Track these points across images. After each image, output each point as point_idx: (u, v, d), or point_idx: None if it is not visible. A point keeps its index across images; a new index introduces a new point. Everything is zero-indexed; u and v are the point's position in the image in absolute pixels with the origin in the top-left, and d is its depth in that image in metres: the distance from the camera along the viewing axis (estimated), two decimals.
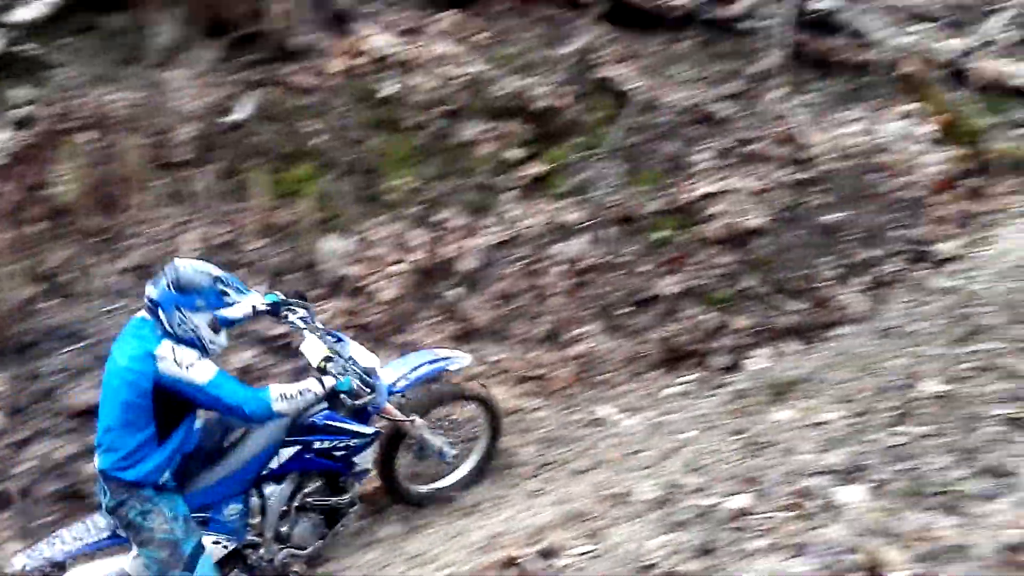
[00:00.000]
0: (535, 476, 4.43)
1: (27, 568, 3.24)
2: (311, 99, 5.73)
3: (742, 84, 6.43)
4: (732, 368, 5.16)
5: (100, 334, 4.73)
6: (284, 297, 3.90)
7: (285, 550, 3.74)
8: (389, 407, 3.81)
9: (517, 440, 4.81)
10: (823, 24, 6.70)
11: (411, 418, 3.94)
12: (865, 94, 6.42)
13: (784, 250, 5.59)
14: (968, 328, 3.85)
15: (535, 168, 5.86)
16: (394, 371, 3.98)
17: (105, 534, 3.37)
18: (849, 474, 2.91)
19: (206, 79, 5.79)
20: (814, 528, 2.56)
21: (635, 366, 5.33)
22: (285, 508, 3.71)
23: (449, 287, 5.45)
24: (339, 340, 3.75)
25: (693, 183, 5.86)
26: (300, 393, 3.31)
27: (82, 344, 4.80)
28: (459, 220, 5.59)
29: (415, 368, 4.04)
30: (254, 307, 3.63)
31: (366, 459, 3.86)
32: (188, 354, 3.14)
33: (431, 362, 4.13)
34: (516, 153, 5.84)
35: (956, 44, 6.61)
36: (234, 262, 5.28)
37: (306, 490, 3.76)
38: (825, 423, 3.38)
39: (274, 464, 3.61)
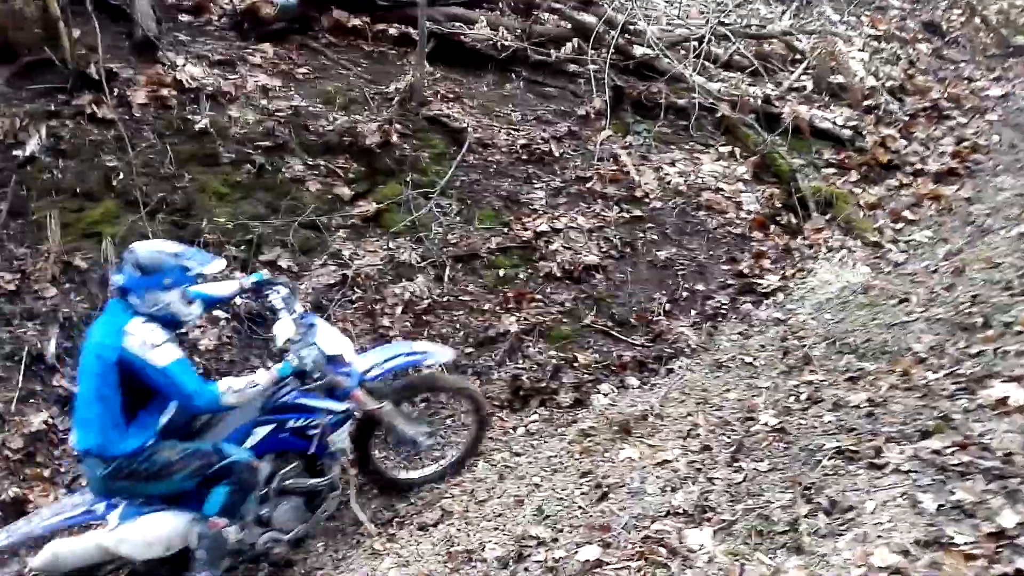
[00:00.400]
0: (380, 534, 4.10)
1: (6, 544, 3.30)
2: (114, 132, 5.19)
3: (572, 124, 6.57)
4: (577, 404, 5.09)
5: None
6: (269, 277, 4.05)
7: (267, 534, 3.71)
8: (358, 393, 3.78)
9: (360, 494, 4.49)
10: (645, 68, 6.98)
11: (381, 404, 3.90)
12: (686, 136, 6.72)
13: (620, 285, 5.66)
14: (796, 360, 3.98)
15: (367, 206, 5.62)
16: (370, 360, 4.02)
17: (81, 509, 3.39)
18: (696, 516, 2.84)
19: None
20: None
21: None
22: (264, 491, 3.69)
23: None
24: (311, 325, 3.77)
25: (530, 220, 5.83)
26: (248, 385, 3.37)
27: None
28: (287, 261, 5.22)
29: (390, 358, 4.08)
30: (241, 285, 3.91)
31: (342, 438, 3.86)
32: (156, 334, 3.22)
33: (408, 354, 4.17)
34: (346, 191, 5.57)
35: (764, 90, 7.08)
36: (23, 312, 4.63)
37: (284, 471, 3.73)
38: (669, 462, 3.33)
39: (249, 443, 3.59)
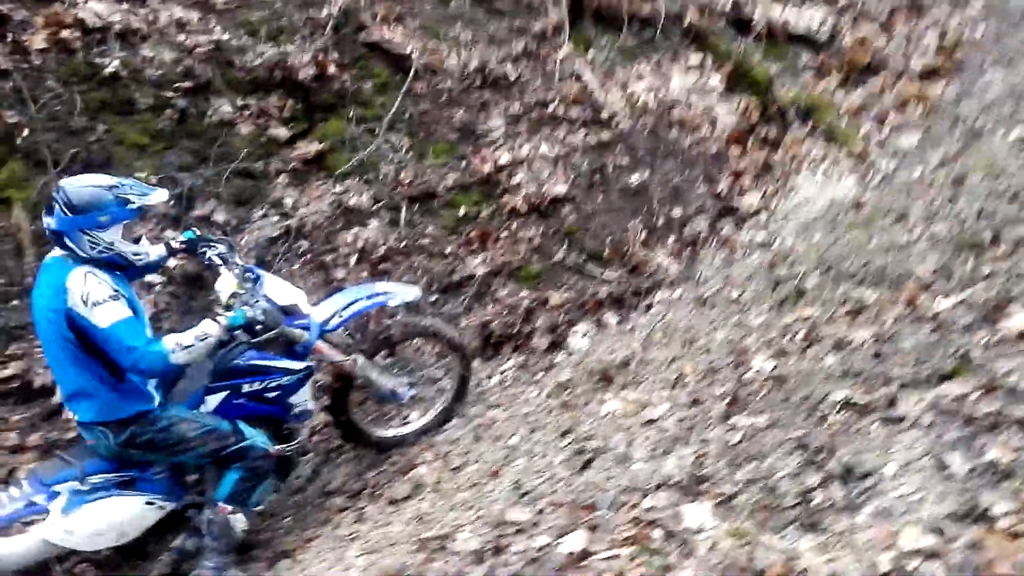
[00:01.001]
0: (348, 508, 3.78)
1: None
2: (11, 84, 4.56)
3: (527, 43, 5.98)
4: (553, 348, 4.76)
5: None
6: (201, 234, 3.57)
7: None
8: (321, 346, 3.49)
9: (326, 460, 4.17)
10: None
11: (351, 357, 3.61)
12: (653, 48, 6.18)
13: (591, 216, 5.25)
14: (788, 291, 3.63)
15: (308, 147, 5.07)
16: (328, 308, 3.66)
17: (20, 503, 3.07)
18: (691, 487, 2.51)
19: None
20: (666, 571, 2.12)
21: None
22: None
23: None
24: (256, 278, 3.43)
25: (489, 152, 5.34)
26: (197, 339, 3.00)
27: None
28: (222, 214, 4.71)
29: (350, 304, 3.70)
30: (169, 246, 3.50)
31: (305, 399, 3.55)
32: (99, 289, 2.88)
33: (369, 296, 3.78)
34: (282, 132, 5.02)
35: None
36: None
37: None
38: (656, 420, 2.99)
39: (202, 411, 3.30)
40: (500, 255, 5.09)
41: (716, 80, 5.99)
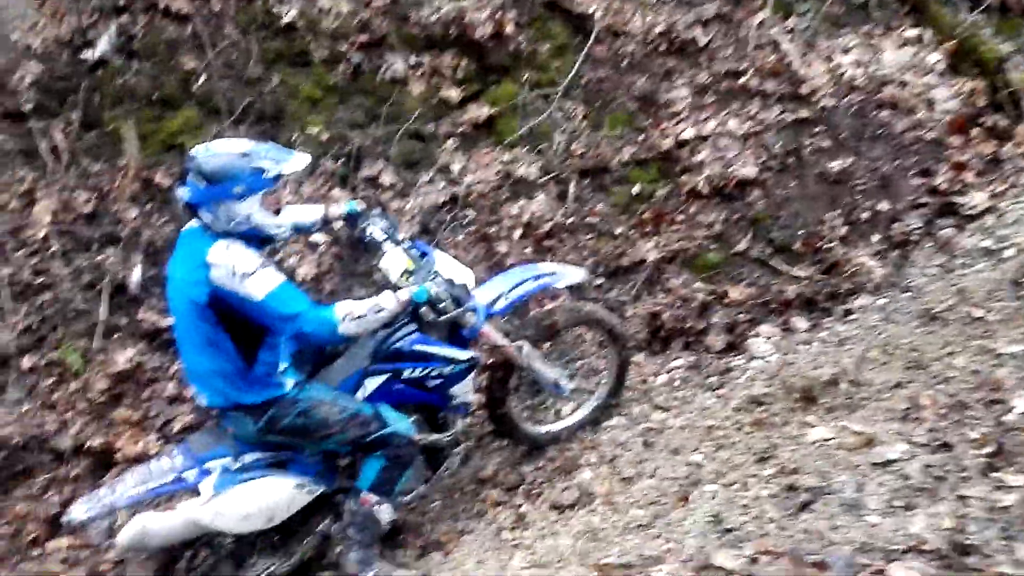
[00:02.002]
0: (504, 503, 3.51)
1: (87, 516, 2.84)
2: (191, 28, 4.49)
3: (721, 5, 5.40)
4: (730, 349, 4.30)
5: None
6: (363, 209, 3.35)
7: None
8: (487, 330, 3.23)
9: (478, 446, 3.92)
10: None
11: (517, 344, 3.35)
12: (863, 17, 5.46)
13: (782, 204, 4.70)
14: None
15: (479, 111, 4.77)
16: (492, 290, 3.41)
17: (170, 477, 2.94)
18: (954, 559, 2.02)
19: (53, 5, 4.48)
20: None
21: None
22: None
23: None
24: (424, 254, 3.20)
25: (671, 126, 4.87)
26: (371, 311, 2.76)
27: None
28: (389, 176, 4.51)
29: (516, 286, 3.45)
30: (326, 217, 3.30)
31: (466, 391, 3.36)
32: (246, 260, 2.65)
33: (535, 278, 3.52)
34: (454, 93, 4.73)
35: None
36: (102, 236, 4.15)
37: None
38: (893, 462, 2.49)
39: (360, 396, 3.13)
40: (675, 240, 4.64)
41: (936, 57, 5.22)
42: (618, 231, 4.65)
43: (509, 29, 4.94)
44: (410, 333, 3.15)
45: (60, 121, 4.32)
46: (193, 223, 2.84)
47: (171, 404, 3.95)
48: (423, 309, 2.88)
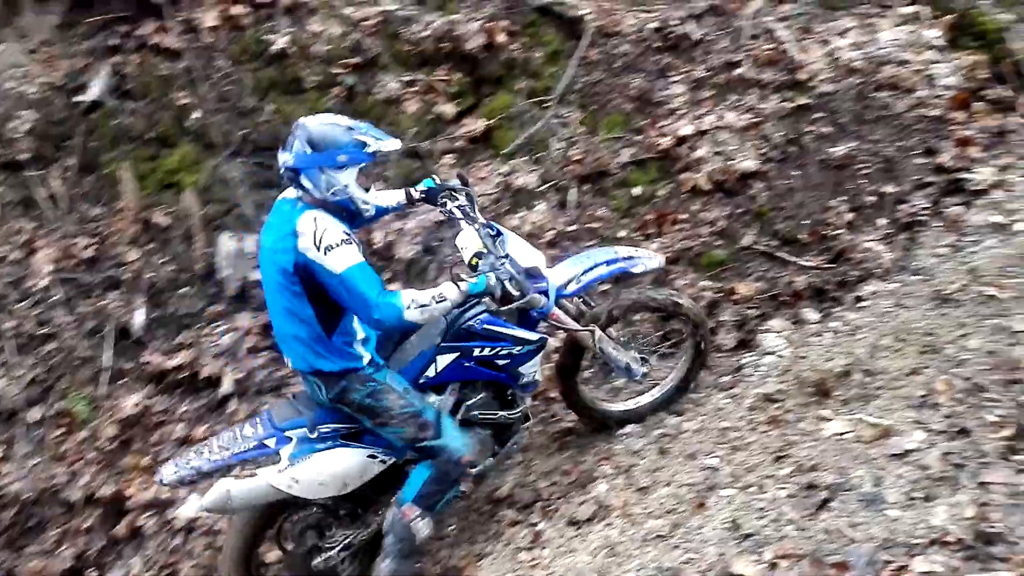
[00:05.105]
0: (521, 522, 3.47)
1: (175, 477, 3.03)
2: (183, 64, 4.52)
3: None
4: (742, 346, 4.23)
5: None
6: (442, 182, 3.45)
7: None
8: (558, 313, 3.24)
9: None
10: None
11: (588, 328, 3.34)
12: None
13: (786, 194, 4.63)
14: None
15: (475, 124, 4.77)
16: (565, 272, 3.43)
17: (252, 443, 3.08)
18: (979, 549, 1.96)
19: (46, 51, 4.54)
20: None
21: None
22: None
23: (386, 282, 4.38)
24: (498, 234, 3.23)
25: (668, 124, 4.82)
26: (434, 300, 2.85)
27: None
28: None
29: (590, 269, 3.45)
30: (409, 194, 3.43)
31: (534, 369, 3.38)
32: (332, 232, 2.75)
33: (609, 262, 3.50)
34: (449, 108, 4.73)
35: None
36: (104, 281, 4.16)
37: (469, 402, 3.33)
38: (911, 452, 2.43)
39: (431, 372, 3.22)
40: (679, 239, 4.59)
41: (935, 33, 5.12)
42: (621, 235, 4.60)
43: (501, 38, 4.93)
44: (480, 313, 3.21)
45: (57, 168, 4.37)
46: (288, 193, 2.96)
47: (181, 446, 3.94)
48: (485, 299, 2.99)
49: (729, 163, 4.65)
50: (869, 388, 2.97)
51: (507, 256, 3.06)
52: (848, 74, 4.91)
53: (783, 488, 2.56)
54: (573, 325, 3.31)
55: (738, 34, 5.08)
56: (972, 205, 4.35)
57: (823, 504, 2.38)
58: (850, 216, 4.49)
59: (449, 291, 2.88)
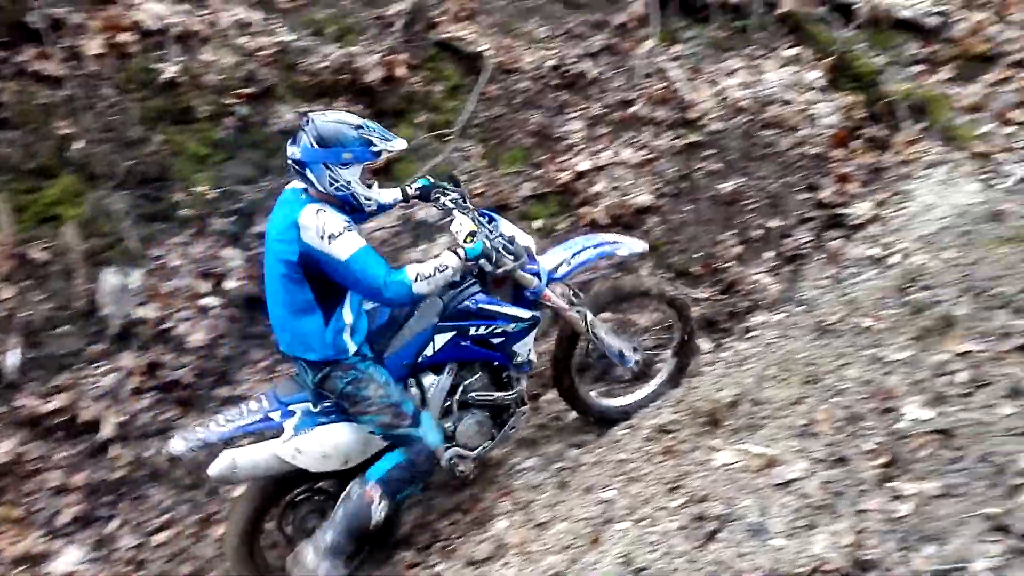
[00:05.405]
0: (419, 564, 3.40)
1: (184, 449, 3.09)
2: (65, 92, 4.31)
3: (608, 38, 5.53)
4: (640, 378, 4.29)
5: None
6: (434, 180, 3.61)
7: (452, 449, 3.44)
8: (549, 294, 3.44)
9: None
10: None
11: (579, 310, 3.53)
12: (745, 40, 5.66)
13: (679, 228, 4.79)
14: (931, 320, 3.10)
15: None
16: (555, 257, 3.62)
17: (257, 417, 3.19)
18: (853, 574, 2.03)
19: None
20: None
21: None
22: (448, 404, 3.46)
23: None
24: (492, 219, 3.46)
25: (567, 159, 4.92)
26: (437, 270, 3.01)
27: None
28: None
29: (578, 252, 3.65)
30: (405, 192, 3.57)
31: (527, 348, 3.51)
32: (334, 223, 2.86)
33: (596, 246, 3.70)
34: None
35: None
36: None
37: (467, 383, 3.46)
38: (793, 482, 2.51)
39: (429, 352, 3.35)
40: (579, 272, 4.64)
41: (816, 74, 5.44)
42: None
43: (401, 72, 4.92)
44: (475, 293, 3.35)
45: None
46: (294, 184, 3.07)
47: (57, 495, 3.70)
48: (481, 261, 3.13)
49: (625, 198, 4.78)
50: (756, 418, 3.06)
51: (502, 234, 3.31)
52: (736, 113, 5.14)
53: (674, 520, 2.60)
54: (565, 307, 3.48)
55: (632, 73, 5.25)
56: (851, 239, 4.60)
57: (712, 535, 2.43)
58: (739, 249, 4.67)
59: (449, 259, 3.04)
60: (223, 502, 3.75)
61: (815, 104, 5.28)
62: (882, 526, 2.19)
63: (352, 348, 3.11)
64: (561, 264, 3.58)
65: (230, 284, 4.18)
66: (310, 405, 3.22)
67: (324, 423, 3.20)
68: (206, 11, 4.77)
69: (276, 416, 3.19)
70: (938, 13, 5.88)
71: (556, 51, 5.27)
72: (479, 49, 5.07)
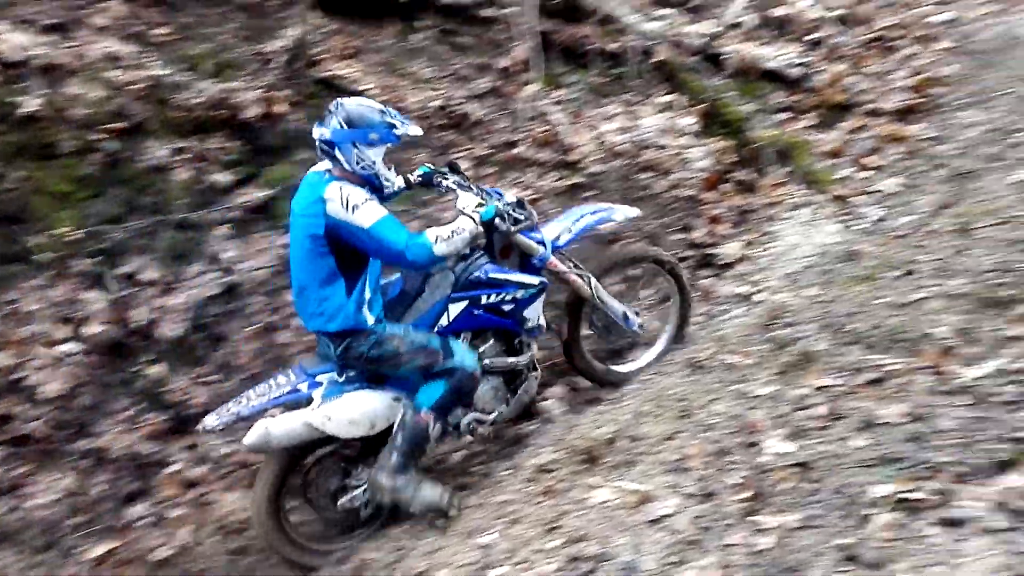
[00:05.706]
0: None
1: (218, 424, 3.28)
2: None
3: (493, 80, 5.64)
4: (524, 417, 4.30)
5: None
6: (434, 167, 3.84)
7: (470, 415, 3.65)
8: (555, 260, 3.70)
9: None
10: (571, 10, 6.08)
11: (584, 275, 3.79)
12: (623, 86, 5.89)
13: None
14: (792, 355, 3.25)
15: (253, 194, 4.61)
16: (555, 227, 3.84)
17: (286, 388, 3.37)
18: None
19: None
20: None
21: None
22: None
23: (147, 364, 4.06)
24: (499, 195, 3.63)
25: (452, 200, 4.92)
26: (455, 232, 3.23)
27: None
28: (152, 272, 4.21)
29: (576, 220, 3.88)
30: (407, 179, 3.76)
31: (537, 313, 3.71)
32: (356, 194, 3.09)
33: (594, 212, 3.95)
34: (223, 178, 4.54)
35: (704, 28, 6.30)
36: None
37: (481, 350, 3.63)
38: (666, 518, 2.56)
39: (444, 322, 3.54)
40: None
41: (689, 120, 5.70)
42: None
43: (281, 108, 4.85)
44: (485, 264, 3.58)
45: None
46: (318, 166, 3.30)
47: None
48: (496, 221, 3.32)
49: None
50: (632, 454, 3.11)
51: (507, 201, 3.50)
52: (614, 156, 5.32)
53: (551, 562, 2.60)
54: (571, 272, 3.72)
55: (516, 116, 5.36)
56: (721, 277, 4.79)
57: (585, 571, 2.44)
58: (620, 287, 4.77)
59: (465, 223, 3.27)
60: (78, 564, 3.50)
61: (688, 149, 5.52)
62: (746, 560, 2.25)
63: (371, 320, 3.28)
64: (563, 232, 3.80)
65: (92, 329, 3.97)
66: (335, 375, 3.40)
67: (350, 391, 3.38)
68: (74, 43, 4.58)
69: (304, 387, 3.38)
70: (800, 64, 6.29)
71: (442, 92, 5.32)
72: (360, 88, 5.05)
